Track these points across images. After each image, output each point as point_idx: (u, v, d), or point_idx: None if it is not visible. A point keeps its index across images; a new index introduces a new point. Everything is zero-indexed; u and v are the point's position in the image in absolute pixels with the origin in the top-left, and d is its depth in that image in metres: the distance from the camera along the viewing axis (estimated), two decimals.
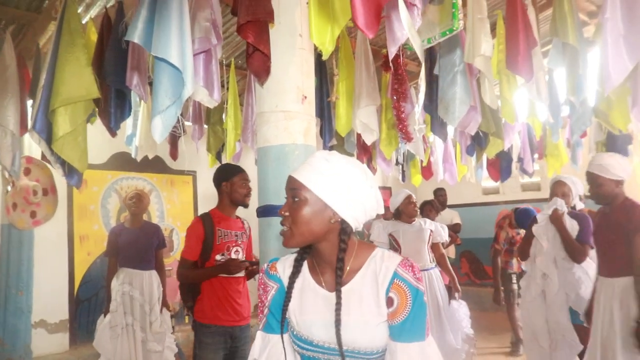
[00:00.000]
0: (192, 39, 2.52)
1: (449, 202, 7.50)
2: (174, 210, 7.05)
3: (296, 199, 1.36)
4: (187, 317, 6.79)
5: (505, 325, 6.39)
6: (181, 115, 2.29)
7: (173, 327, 5.40)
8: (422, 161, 6.74)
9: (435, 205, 6.41)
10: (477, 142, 4.96)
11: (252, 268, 3.14)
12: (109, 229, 6.07)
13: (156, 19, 2.10)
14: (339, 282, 1.37)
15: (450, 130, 6.33)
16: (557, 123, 4.40)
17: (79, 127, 2.49)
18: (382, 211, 1.48)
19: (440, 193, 7.29)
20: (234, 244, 3.14)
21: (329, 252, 1.41)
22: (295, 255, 1.52)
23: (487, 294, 8.62)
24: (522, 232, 5.74)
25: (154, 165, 6.55)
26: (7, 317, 4.90)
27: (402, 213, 4.67)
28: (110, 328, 4.58)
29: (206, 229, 3.11)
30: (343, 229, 1.39)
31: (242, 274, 3.17)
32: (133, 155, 5.26)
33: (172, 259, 6.84)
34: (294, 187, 1.38)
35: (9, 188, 4.54)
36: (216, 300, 3.09)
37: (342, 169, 1.38)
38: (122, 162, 6.42)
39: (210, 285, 3.10)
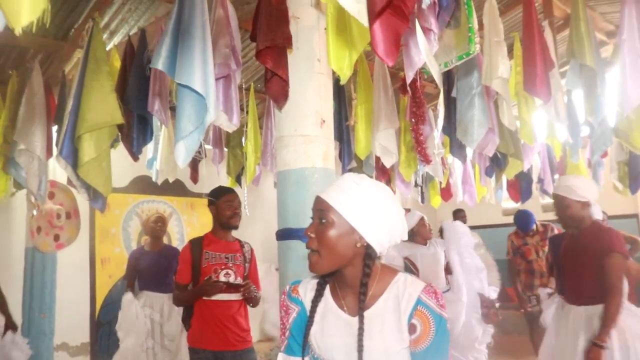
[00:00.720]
0: (213, 65, 2.58)
1: (468, 224, 7.42)
2: (194, 234, 7.04)
3: (323, 221, 1.35)
4: None
5: (528, 349, 6.25)
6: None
7: None
8: (440, 183, 6.71)
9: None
10: (496, 163, 4.94)
11: (242, 292, 3.06)
12: (130, 252, 6.14)
13: (179, 47, 2.16)
14: (362, 307, 1.36)
15: (469, 151, 6.32)
16: (577, 143, 4.38)
17: (103, 152, 2.55)
18: (406, 237, 1.47)
19: (460, 214, 7.23)
20: (222, 267, 3.09)
21: (353, 276, 1.40)
22: (317, 278, 1.53)
23: (510, 317, 8.44)
24: (529, 241, 5.71)
25: (174, 188, 6.62)
26: (30, 339, 4.93)
27: (417, 235, 4.61)
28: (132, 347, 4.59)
29: (193, 252, 3.15)
30: (368, 254, 1.37)
31: (236, 297, 3.10)
32: (154, 179, 5.32)
33: None
34: (321, 209, 1.36)
35: (34, 212, 4.62)
36: (204, 324, 3.06)
37: (371, 193, 1.37)
38: (143, 185, 6.49)
39: (199, 309, 3.09)
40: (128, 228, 6.44)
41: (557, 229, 5.68)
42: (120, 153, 4.07)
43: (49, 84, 4.34)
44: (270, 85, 2.52)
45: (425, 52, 1.84)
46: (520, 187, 6.43)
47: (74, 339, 5.87)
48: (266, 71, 2.52)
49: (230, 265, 3.13)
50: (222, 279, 3.07)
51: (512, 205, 8.70)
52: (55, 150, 3.20)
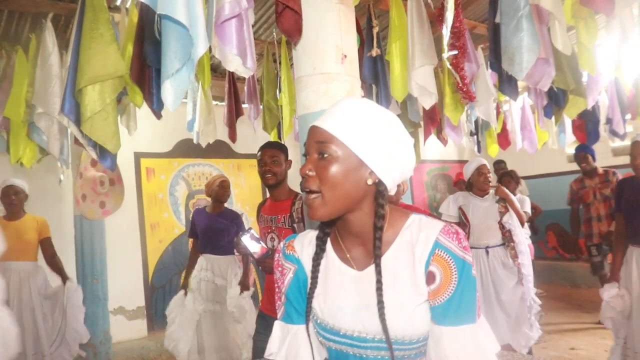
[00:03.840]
0: (222, 4, 2.33)
1: (530, 173, 7.05)
2: (242, 195, 7.01)
3: (325, 155, 1.10)
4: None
5: (599, 301, 5.86)
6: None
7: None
8: (496, 129, 6.26)
9: (514, 176, 6.01)
10: (555, 102, 4.45)
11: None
12: (178, 216, 6.17)
13: None
14: (378, 254, 1.12)
15: (525, 94, 5.82)
16: None
17: (107, 106, 2.37)
18: (412, 173, 1.21)
19: (500, 166, 6.92)
20: (268, 231, 2.89)
21: (360, 222, 1.16)
22: (315, 231, 1.27)
23: (578, 269, 7.99)
24: (588, 184, 5.51)
25: (219, 150, 6.53)
26: (85, 304, 5.04)
27: (474, 185, 4.32)
28: (184, 312, 4.56)
29: (257, 216, 3.04)
30: (380, 192, 1.13)
31: None
32: (195, 141, 5.18)
33: None
34: (321, 140, 1.11)
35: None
36: (268, 289, 2.93)
37: (379, 119, 1.12)
38: (188, 149, 6.43)
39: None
40: (175, 193, 6.42)
41: (620, 175, 5.31)
42: (162, 118, 3.92)
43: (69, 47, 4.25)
44: (282, 19, 2.25)
45: None
46: (587, 128, 5.87)
47: (130, 303, 5.98)
48: (277, 4, 2.25)
49: (273, 228, 2.89)
50: (269, 244, 2.86)
51: None
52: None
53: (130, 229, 6.04)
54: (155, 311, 6.10)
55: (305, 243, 1.28)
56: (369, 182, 1.12)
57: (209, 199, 4.81)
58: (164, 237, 6.21)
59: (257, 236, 2.74)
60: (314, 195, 1.11)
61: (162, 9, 1.86)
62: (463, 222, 4.37)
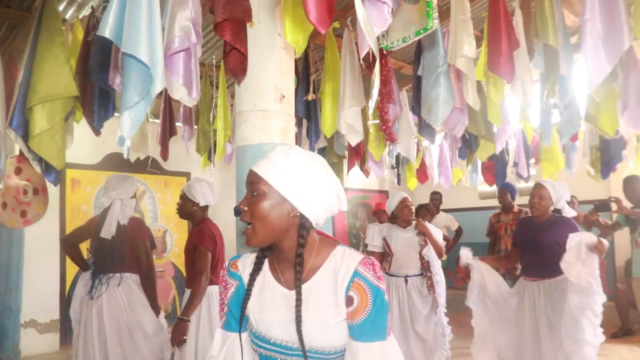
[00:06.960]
0: (172, 37, 2.52)
1: (445, 207, 7.53)
2: (168, 212, 7.03)
3: (255, 193, 1.34)
4: None
5: None
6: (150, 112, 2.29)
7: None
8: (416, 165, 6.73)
9: (430, 208, 6.42)
10: (468, 146, 4.93)
11: None
12: None
13: (126, 15, 2.09)
14: (298, 277, 1.35)
15: (443, 134, 6.33)
16: (548, 126, 4.38)
17: (56, 124, 2.47)
18: (344, 208, 1.46)
19: (434, 197, 7.32)
20: None
21: (290, 249, 1.39)
22: (256, 253, 1.51)
23: None
24: (503, 219, 5.96)
25: (147, 166, 6.53)
26: None
27: (398, 217, 4.61)
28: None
29: None
30: (302, 224, 1.37)
31: None
32: (125, 156, 5.23)
33: (164, 260, 6.84)
34: (252, 181, 1.35)
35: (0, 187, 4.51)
36: None
37: (302, 163, 1.36)
38: (116, 162, 6.41)
39: None
40: (99, 206, 6.32)
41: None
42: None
43: (12, 57, 4.22)
44: (229, 59, 2.47)
45: (363, 22, 1.79)
46: (495, 170, 6.45)
47: (43, 316, 5.83)
48: (225, 44, 2.47)
49: None
50: None
51: (488, 188, 8.77)
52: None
53: (50, 239, 5.91)
54: (69, 324, 5.95)
55: (247, 263, 1.50)
56: (291, 215, 1.35)
57: None
58: (85, 249, 6.10)
59: None
60: (248, 227, 1.35)
61: (126, 48, 2.02)
62: (387, 252, 4.67)
